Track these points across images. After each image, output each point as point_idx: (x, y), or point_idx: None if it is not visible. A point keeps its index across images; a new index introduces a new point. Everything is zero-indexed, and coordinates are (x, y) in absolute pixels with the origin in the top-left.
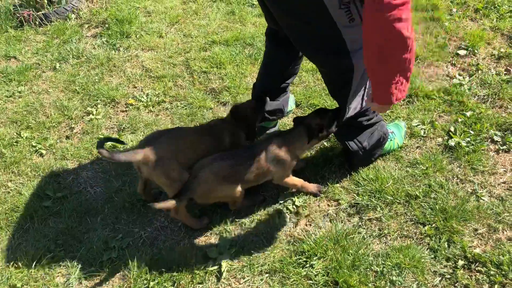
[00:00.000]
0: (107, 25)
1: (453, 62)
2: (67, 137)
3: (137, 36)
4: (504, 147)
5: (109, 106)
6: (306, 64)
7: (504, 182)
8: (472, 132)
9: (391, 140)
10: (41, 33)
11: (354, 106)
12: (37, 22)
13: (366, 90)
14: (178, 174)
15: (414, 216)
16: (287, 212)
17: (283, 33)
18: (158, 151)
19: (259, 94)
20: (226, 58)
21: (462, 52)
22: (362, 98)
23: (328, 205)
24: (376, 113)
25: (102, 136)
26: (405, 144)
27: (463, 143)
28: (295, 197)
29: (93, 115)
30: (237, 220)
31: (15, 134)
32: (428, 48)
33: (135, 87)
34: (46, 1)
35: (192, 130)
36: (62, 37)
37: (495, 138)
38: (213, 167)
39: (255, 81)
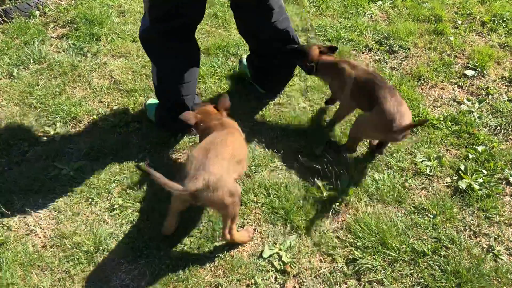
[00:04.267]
0: (75, 25)
1: (460, 83)
2: (18, 163)
3: (108, 39)
4: None
5: (70, 125)
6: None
7: None
8: (485, 172)
9: None
10: (0, 31)
11: None
12: None
13: None
14: (235, 188)
15: (422, 279)
16: (273, 270)
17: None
18: (215, 171)
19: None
20: (206, 70)
21: (469, 73)
22: None
23: (321, 261)
24: None
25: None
26: (410, 184)
27: (476, 186)
28: (282, 251)
29: (49, 135)
30: (211, 280)
31: None
32: (433, 66)
33: (101, 102)
34: None
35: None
36: (24, 38)
37: (511, 179)
38: None
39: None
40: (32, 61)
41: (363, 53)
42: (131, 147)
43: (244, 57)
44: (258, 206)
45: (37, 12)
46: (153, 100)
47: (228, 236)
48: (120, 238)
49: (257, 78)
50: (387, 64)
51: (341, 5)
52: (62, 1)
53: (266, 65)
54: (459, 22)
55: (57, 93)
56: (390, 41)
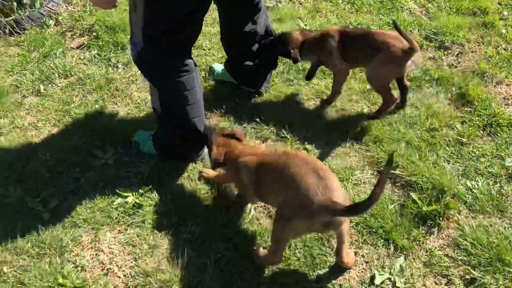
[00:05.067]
0: (94, 33)
1: None
2: (73, 193)
3: None
4: None
5: (120, 145)
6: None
7: None
8: None
9: None
10: (14, 44)
11: None
12: (7, 31)
13: None
14: None
15: None
16: None
17: None
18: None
19: None
20: None
21: None
22: None
23: (436, 283)
24: None
25: None
26: (506, 190)
27: None
28: (394, 276)
29: (100, 158)
30: None
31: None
32: (493, 61)
33: (149, 117)
34: (15, 4)
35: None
36: (42, 50)
37: None
38: None
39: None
40: (57, 76)
41: None
42: (196, 166)
43: (215, 65)
44: (352, 225)
45: (51, 21)
46: (141, 131)
47: (345, 256)
48: (212, 271)
49: (246, 80)
50: (443, 61)
51: (376, 1)
52: (75, 8)
53: (253, 65)
54: (505, 13)
55: (97, 110)
56: (440, 36)
